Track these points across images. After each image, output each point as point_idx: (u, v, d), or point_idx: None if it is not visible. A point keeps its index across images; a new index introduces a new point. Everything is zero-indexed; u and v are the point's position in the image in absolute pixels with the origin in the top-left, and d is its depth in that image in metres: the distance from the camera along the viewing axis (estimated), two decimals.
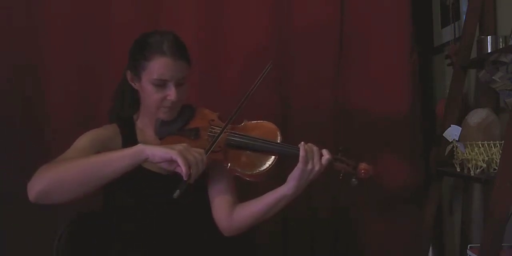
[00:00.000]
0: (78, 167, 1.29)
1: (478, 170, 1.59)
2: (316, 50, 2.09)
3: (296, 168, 1.44)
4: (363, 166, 1.49)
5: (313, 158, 1.44)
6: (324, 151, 1.46)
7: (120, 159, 1.29)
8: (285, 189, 1.46)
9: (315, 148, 1.46)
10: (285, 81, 2.10)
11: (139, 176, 1.47)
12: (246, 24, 2.06)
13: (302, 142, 1.46)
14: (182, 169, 1.27)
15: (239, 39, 2.07)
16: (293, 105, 2.10)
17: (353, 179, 1.48)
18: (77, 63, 2.04)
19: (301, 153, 1.43)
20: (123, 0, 2.05)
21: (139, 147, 1.30)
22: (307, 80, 2.09)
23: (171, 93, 1.47)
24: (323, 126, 2.08)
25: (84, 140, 1.48)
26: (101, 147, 1.45)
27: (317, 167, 1.44)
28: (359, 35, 2.11)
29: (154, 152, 1.29)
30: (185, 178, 1.28)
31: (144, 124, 1.58)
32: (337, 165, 1.48)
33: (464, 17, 1.89)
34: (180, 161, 1.27)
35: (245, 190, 1.60)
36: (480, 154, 1.58)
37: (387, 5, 2.10)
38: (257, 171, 1.47)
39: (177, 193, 1.28)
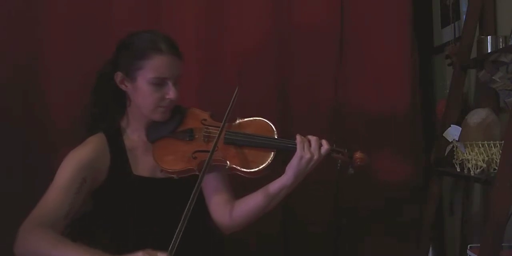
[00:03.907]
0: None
1: (478, 170, 1.58)
2: (316, 50, 2.09)
3: (294, 156, 1.43)
4: (358, 154, 1.50)
5: (311, 146, 1.44)
6: (324, 141, 1.47)
7: None
8: (284, 179, 1.45)
9: (314, 138, 1.46)
10: (285, 80, 2.10)
11: (131, 182, 1.46)
12: (246, 24, 2.07)
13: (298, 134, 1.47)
14: None
15: (239, 39, 2.07)
16: (293, 105, 2.10)
17: (350, 169, 1.50)
18: (77, 63, 2.04)
19: (298, 139, 1.43)
20: (124, 1, 2.05)
21: None
22: (307, 79, 2.10)
23: (171, 92, 1.44)
24: (323, 126, 2.08)
25: (67, 171, 1.42)
26: (88, 171, 1.42)
27: (315, 156, 1.43)
28: (359, 35, 2.12)
29: None
30: None
31: (133, 129, 1.54)
32: (335, 156, 1.49)
33: (464, 17, 1.89)
34: None
35: (241, 187, 1.59)
36: (480, 154, 1.57)
37: (387, 5, 2.10)
38: (257, 168, 1.47)
39: None
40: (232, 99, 1.48)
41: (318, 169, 1.49)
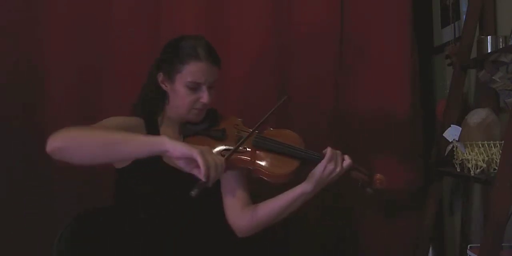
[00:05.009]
0: (101, 136, 1.31)
1: (478, 170, 1.58)
2: (316, 50, 2.09)
3: (319, 165, 1.50)
4: (378, 176, 1.58)
5: (337, 159, 1.51)
6: (346, 156, 1.54)
7: (141, 143, 1.29)
8: (305, 186, 1.51)
9: (338, 151, 1.53)
10: (285, 81, 2.10)
11: (157, 169, 1.50)
12: (246, 24, 2.07)
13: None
14: (201, 169, 1.25)
15: (239, 40, 2.07)
16: (293, 105, 2.10)
17: (369, 189, 1.58)
18: (77, 63, 2.04)
19: (328, 149, 1.51)
20: (124, 1, 2.05)
21: (162, 138, 1.30)
22: (307, 79, 2.09)
23: (204, 95, 1.53)
24: (323, 126, 2.08)
25: (111, 121, 1.51)
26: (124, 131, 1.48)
27: (338, 169, 1.51)
28: (359, 35, 2.12)
29: (175, 146, 1.27)
30: (203, 179, 1.26)
31: (167, 126, 1.60)
32: (355, 174, 1.56)
33: (464, 17, 1.89)
34: (200, 160, 1.25)
35: (258, 194, 1.61)
36: (480, 154, 1.57)
37: (387, 5, 2.10)
38: (281, 172, 1.52)
39: (195, 192, 1.26)
40: (275, 107, 1.60)
41: None
